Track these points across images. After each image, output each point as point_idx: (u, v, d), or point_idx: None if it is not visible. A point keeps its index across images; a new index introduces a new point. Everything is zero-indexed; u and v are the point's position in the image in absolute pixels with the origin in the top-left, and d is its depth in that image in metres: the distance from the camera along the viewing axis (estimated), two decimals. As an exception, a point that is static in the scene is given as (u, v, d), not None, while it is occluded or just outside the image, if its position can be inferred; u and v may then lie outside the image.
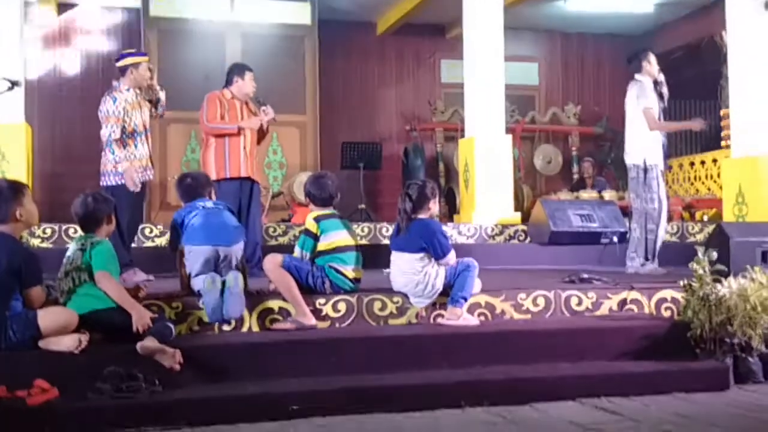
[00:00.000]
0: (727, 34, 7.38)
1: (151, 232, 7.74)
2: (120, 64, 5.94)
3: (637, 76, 6.51)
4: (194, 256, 4.30)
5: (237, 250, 4.42)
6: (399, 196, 4.64)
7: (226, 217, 4.55)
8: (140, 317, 3.73)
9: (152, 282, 5.29)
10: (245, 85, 6.24)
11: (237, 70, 6.32)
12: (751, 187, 6.79)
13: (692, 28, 12.28)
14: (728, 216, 6.97)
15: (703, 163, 11.50)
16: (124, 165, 5.69)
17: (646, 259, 6.25)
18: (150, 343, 3.57)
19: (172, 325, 3.84)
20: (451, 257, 4.50)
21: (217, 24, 11.07)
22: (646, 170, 6.28)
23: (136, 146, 5.83)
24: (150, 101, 6.11)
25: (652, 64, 6.49)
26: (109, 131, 5.71)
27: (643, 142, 6.32)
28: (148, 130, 6.00)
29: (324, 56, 11.72)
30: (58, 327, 3.60)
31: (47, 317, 3.61)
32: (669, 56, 12.89)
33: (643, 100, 6.34)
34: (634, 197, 6.38)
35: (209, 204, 4.59)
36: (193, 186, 4.74)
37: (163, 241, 7.67)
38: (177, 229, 4.51)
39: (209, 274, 4.15)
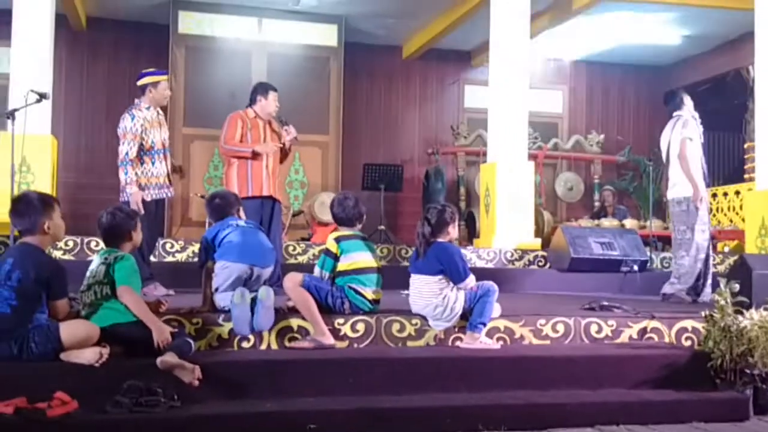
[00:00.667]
0: (754, 68, 7.34)
1: (172, 247, 7.80)
2: (140, 82, 6.01)
3: (677, 112, 6.72)
4: (227, 272, 4.35)
5: (268, 272, 4.56)
6: (418, 220, 4.65)
7: (262, 238, 4.67)
8: (160, 332, 3.74)
9: (172, 297, 5.34)
10: (268, 104, 6.29)
11: (260, 89, 6.38)
12: (775, 220, 6.75)
13: (719, 61, 12.27)
14: (751, 248, 6.92)
15: (725, 194, 11.43)
16: (132, 188, 5.73)
17: (697, 289, 6.25)
18: (170, 358, 3.58)
19: (191, 341, 3.85)
20: (470, 281, 4.49)
21: (244, 43, 11.21)
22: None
23: (153, 164, 5.90)
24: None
25: (690, 102, 6.72)
26: (126, 148, 5.76)
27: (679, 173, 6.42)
28: (167, 149, 6.06)
29: (349, 78, 11.82)
30: (79, 340, 3.63)
31: (69, 330, 3.63)
32: (695, 88, 12.87)
33: (686, 130, 6.50)
34: (684, 229, 6.39)
35: (242, 223, 4.68)
36: (221, 205, 4.82)
37: (183, 256, 7.74)
38: (208, 247, 4.56)
39: (239, 289, 4.19)
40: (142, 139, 5.82)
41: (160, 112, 6.08)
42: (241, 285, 4.31)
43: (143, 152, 5.85)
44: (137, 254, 5.18)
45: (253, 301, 4.14)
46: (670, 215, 6.72)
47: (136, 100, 6.00)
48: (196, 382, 3.56)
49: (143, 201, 5.74)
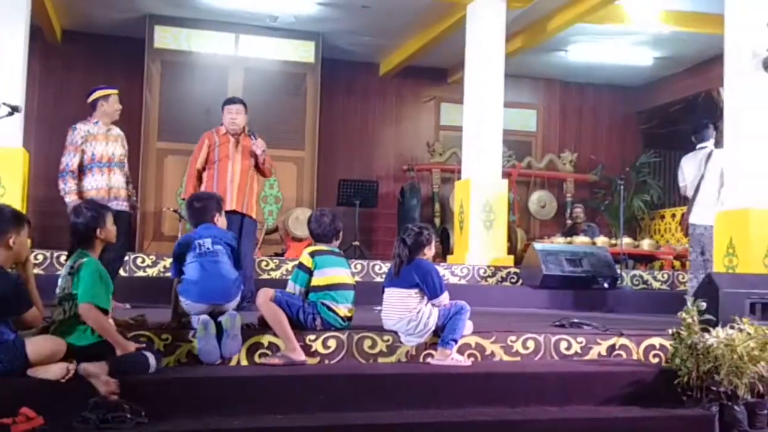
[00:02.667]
0: (723, 90, 7.49)
1: (143, 262, 7.74)
2: (90, 98, 6.15)
3: (703, 144, 7.39)
4: (188, 307, 4.26)
5: (232, 305, 4.32)
6: (395, 240, 4.66)
7: (223, 269, 4.35)
8: (125, 350, 3.72)
9: (128, 310, 5.30)
10: (225, 118, 6.32)
11: (223, 105, 6.41)
12: (742, 240, 6.84)
13: (690, 82, 12.47)
14: (719, 267, 7.01)
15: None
16: (70, 197, 5.87)
17: None
18: (91, 367, 3.51)
19: (151, 356, 3.77)
20: (445, 298, 4.51)
21: (221, 58, 11.21)
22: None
23: (94, 176, 5.99)
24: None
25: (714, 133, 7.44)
26: (66, 160, 5.95)
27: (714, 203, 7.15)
28: (116, 163, 6.10)
29: (325, 94, 11.86)
30: (46, 356, 3.58)
31: (35, 346, 3.58)
32: (667, 109, 13.10)
33: (710, 164, 7.20)
34: (701, 252, 7.16)
35: (207, 243, 4.39)
36: (199, 210, 4.63)
37: (155, 271, 7.69)
38: (177, 262, 4.43)
39: (201, 319, 4.11)
40: (82, 152, 5.96)
41: (114, 128, 6.17)
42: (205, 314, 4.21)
43: (85, 165, 5.98)
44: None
45: (220, 326, 4.09)
46: (692, 238, 7.28)
47: (89, 117, 6.14)
48: (114, 396, 3.46)
49: None
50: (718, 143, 7.47)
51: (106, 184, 6.02)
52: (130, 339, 3.93)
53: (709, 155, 7.25)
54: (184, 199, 6.25)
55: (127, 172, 6.26)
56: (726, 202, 7.12)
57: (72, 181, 5.92)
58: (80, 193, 5.93)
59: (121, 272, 7.49)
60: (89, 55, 11.46)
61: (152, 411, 3.49)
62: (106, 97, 6.12)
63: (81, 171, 5.98)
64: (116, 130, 6.21)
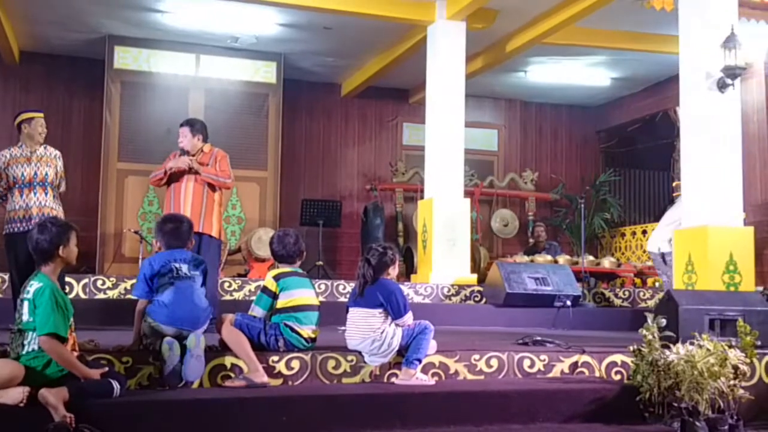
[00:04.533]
0: (680, 109, 7.65)
1: (104, 284, 7.62)
2: (16, 121, 6.29)
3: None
4: (154, 328, 4.21)
5: (200, 331, 4.24)
6: (359, 260, 4.66)
7: (196, 296, 4.32)
8: (88, 378, 3.65)
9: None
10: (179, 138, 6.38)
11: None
12: (700, 257, 6.95)
13: (647, 102, 12.72)
14: (678, 284, 7.12)
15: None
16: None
17: None
18: (50, 396, 3.41)
19: (115, 383, 3.70)
20: (408, 318, 4.52)
21: (182, 79, 11.15)
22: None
23: (17, 196, 6.07)
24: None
25: None
26: None
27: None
28: (39, 183, 6.12)
29: (288, 114, 11.87)
30: (2, 381, 3.49)
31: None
32: (625, 128, 13.33)
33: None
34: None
35: (184, 269, 4.34)
36: (173, 233, 4.52)
37: (115, 293, 7.58)
38: (145, 282, 4.32)
39: (166, 340, 4.06)
40: (6, 176, 6.10)
41: (42, 150, 6.21)
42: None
43: (9, 188, 6.12)
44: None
45: (183, 347, 4.05)
46: (662, 264, 8.40)
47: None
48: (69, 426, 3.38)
49: (7, 234, 6.02)
50: (676, 162, 7.64)
51: (25, 205, 6.06)
52: (91, 361, 3.86)
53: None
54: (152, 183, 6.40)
55: (59, 194, 6.30)
56: (684, 220, 7.25)
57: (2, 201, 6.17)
58: (8, 213, 6.10)
59: (81, 294, 7.42)
60: (48, 76, 11.35)
61: (112, 435, 3.43)
62: (29, 120, 6.22)
63: (8, 194, 6.14)
64: (47, 151, 6.23)
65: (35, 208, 6.06)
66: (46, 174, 6.16)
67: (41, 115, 6.34)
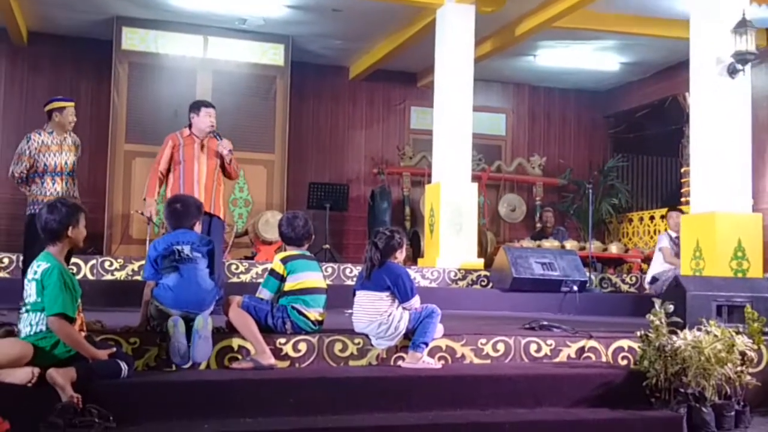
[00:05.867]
0: (689, 95, 7.60)
1: (111, 265, 7.65)
2: (47, 108, 6.30)
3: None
4: (161, 310, 4.21)
5: (206, 313, 4.24)
6: (367, 245, 4.66)
7: (200, 277, 4.30)
8: (97, 359, 3.66)
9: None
10: (200, 120, 6.25)
11: (193, 107, 6.37)
12: (708, 243, 6.94)
13: (657, 87, 12.63)
14: (685, 270, 7.10)
15: (663, 217, 11.73)
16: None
17: None
18: (57, 376, 3.44)
19: (123, 363, 3.73)
20: (416, 301, 4.52)
21: (189, 60, 11.12)
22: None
23: (49, 183, 6.12)
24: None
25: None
26: (12, 168, 6.13)
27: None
28: (68, 172, 6.23)
29: (295, 97, 11.84)
30: (11, 360, 3.52)
31: (1, 349, 3.52)
32: (634, 113, 13.26)
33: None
34: None
35: (186, 250, 4.33)
36: (179, 212, 4.51)
37: (123, 274, 7.61)
38: (151, 265, 4.33)
39: (171, 319, 4.08)
40: (35, 161, 6.12)
41: (69, 138, 6.30)
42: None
43: (37, 173, 6.13)
44: None
45: (190, 328, 4.05)
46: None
47: (45, 125, 6.28)
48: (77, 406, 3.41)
49: (30, 215, 5.96)
50: (685, 148, 7.60)
51: (62, 192, 6.12)
52: (99, 342, 3.88)
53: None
54: (145, 199, 6.23)
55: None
56: (693, 206, 7.23)
57: (29, 186, 6.15)
58: (36, 196, 6.09)
59: (89, 275, 7.44)
60: (56, 57, 11.34)
61: (120, 415, 3.46)
62: (61, 109, 6.26)
63: (33, 179, 6.14)
64: (71, 139, 6.33)
65: (65, 196, 6.07)
66: (74, 163, 6.29)
67: (72, 104, 6.39)
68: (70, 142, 6.29)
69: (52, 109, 6.26)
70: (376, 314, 4.45)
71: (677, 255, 8.13)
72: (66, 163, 6.22)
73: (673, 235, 8.60)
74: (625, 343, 4.87)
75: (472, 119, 9.57)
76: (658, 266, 8.57)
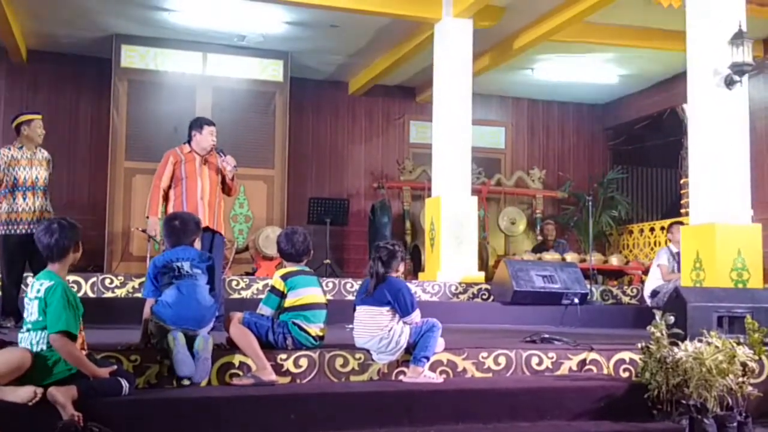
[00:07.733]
0: (687, 106, 7.63)
1: (111, 282, 7.64)
2: (14, 123, 6.31)
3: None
4: (161, 327, 4.21)
5: (205, 330, 4.25)
6: (370, 259, 4.66)
7: (200, 294, 4.31)
8: (98, 377, 3.66)
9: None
10: (203, 139, 6.26)
11: (195, 124, 6.37)
12: (708, 254, 6.93)
13: (655, 99, 12.67)
14: (686, 281, 7.09)
15: (663, 228, 11.73)
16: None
17: None
18: (59, 395, 3.43)
19: (124, 381, 3.72)
20: (416, 315, 4.52)
21: (189, 77, 11.16)
22: None
23: (21, 199, 6.11)
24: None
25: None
26: None
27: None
28: (40, 187, 6.22)
29: (294, 112, 11.87)
30: (10, 369, 3.51)
31: (1, 359, 3.52)
32: (633, 126, 13.29)
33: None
34: None
35: (185, 267, 4.34)
36: (179, 230, 4.53)
37: (123, 292, 7.60)
38: (151, 282, 4.34)
39: (170, 333, 4.09)
40: (5, 175, 6.11)
41: (39, 153, 6.30)
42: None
43: (7, 188, 6.13)
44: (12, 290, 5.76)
45: (190, 345, 4.06)
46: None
47: (14, 141, 6.30)
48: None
49: (5, 236, 6.05)
50: (684, 159, 7.60)
51: (36, 208, 6.15)
52: (100, 360, 3.87)
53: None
54: (148, 217, 6.23)
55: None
56: (693, 217, 7.23)
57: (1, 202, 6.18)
58: (9, 214, 6.11)
59: (89, 293, 7.44)
60: (55, 75, 11.38)
61: (121, 434, 3.45)
62: (28, 122, 6.27)
63: (4, 195, 6.14)
64: (41, 154, 6.34)
65: (39, 211, 6.16)
66: (45, 177, 6.29)
67: (40, 116, 6.39)
68: (40, 157, 6.29)
69: (20, 123, 6.27)
70: (376, 329, 4.45)
71: (676, 270, 8.09)
72: (37, 177, 6.21)
73: (674, 250, 8.47)
74: (626, 355, 4.86)
75: (472, 133, 9.59)
76: (656, 281, 8.48)
